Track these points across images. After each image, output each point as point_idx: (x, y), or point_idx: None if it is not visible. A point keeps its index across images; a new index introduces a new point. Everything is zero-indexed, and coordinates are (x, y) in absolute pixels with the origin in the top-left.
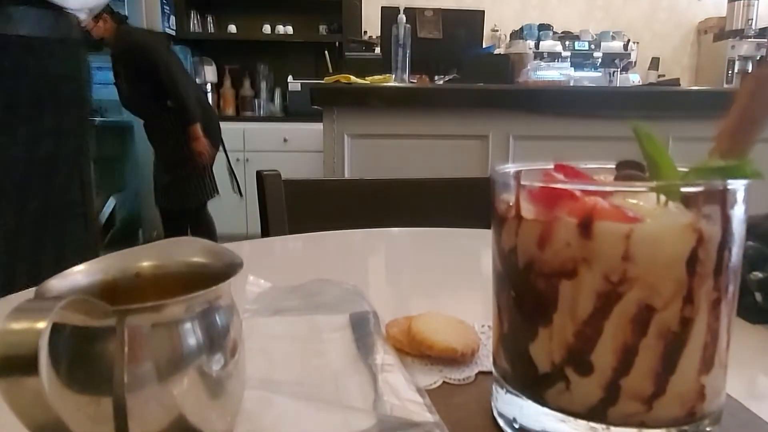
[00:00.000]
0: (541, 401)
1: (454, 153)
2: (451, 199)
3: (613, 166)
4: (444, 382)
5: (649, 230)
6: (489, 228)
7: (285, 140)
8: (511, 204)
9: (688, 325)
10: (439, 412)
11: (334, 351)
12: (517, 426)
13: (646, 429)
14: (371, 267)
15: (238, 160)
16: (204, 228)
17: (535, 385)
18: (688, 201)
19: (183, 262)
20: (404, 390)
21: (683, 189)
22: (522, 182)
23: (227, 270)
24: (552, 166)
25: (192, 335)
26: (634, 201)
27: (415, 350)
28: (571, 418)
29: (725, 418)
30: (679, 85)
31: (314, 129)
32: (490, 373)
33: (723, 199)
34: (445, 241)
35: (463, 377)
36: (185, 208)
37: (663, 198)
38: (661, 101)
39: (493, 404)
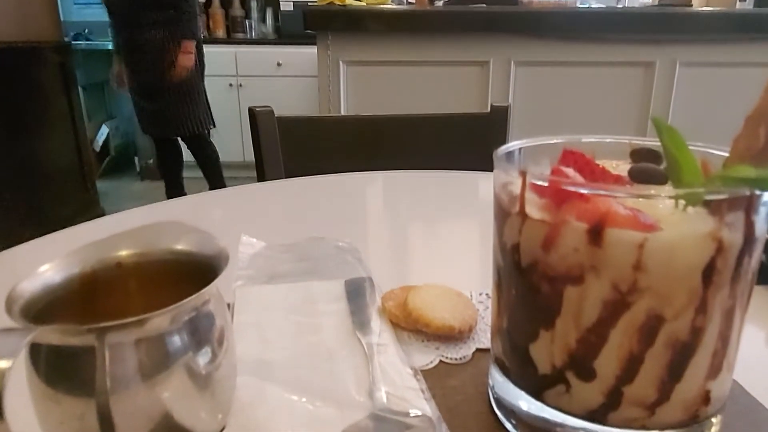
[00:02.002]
0: (539, 398)
1: (454, 81)
2: (450, 136)
3: (626, 140)
4: (441, 361)
5: (666, 239)
6: (488, 168)
7: (279, 64)
8: (515, 195)
9: (698, 335)
10: (435, 396)
11: (329, 327)
12: (513, 420)
13: (648, 431)
14: (367, 218)
15: (231, 85)
16: (207, 156)
17: (533, 383)
18: (710, 207)
19: (167, 250)
20: (400, 375)
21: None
22: (528, 179)
23: (213, 261)
24: (559, 141)
25: (179, 346)
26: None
27: (411, 326)
28: (569, 417)
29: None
30: (691, 5)
31: (309, 53)
32: (488, 350)
33: (749, 206)
34: (444, 186)
35: (460, 356)
36: (183, 136)
37: (682, 202)
38: (670, 24)
39: (489, 390)
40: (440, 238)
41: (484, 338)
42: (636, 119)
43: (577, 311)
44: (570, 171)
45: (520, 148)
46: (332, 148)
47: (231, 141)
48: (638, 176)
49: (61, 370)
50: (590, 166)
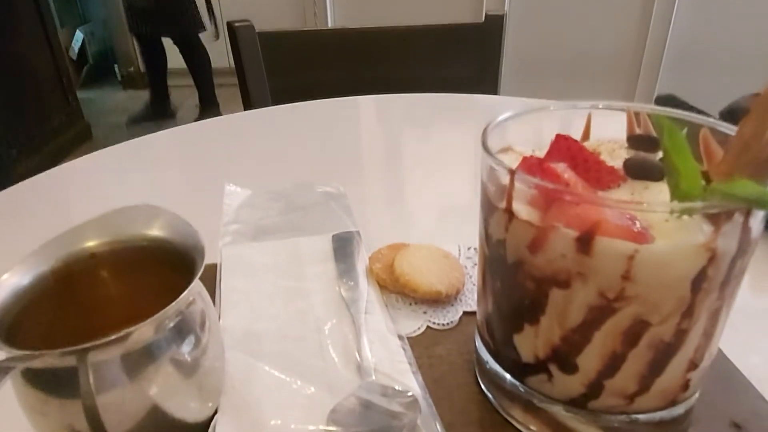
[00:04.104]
0: (522, 382)
1: None
2: (442, 48)
3: (623, 106)
4: (428, 327)
5: (658, 251)
6: (482, 80)
7: None
8: (502, 185)
9: (683, 336)
10: (421, 367)
11: (317, 292)
12: (497, 393)
13: (626, 415)
14: (357, 153)
15: None
16: (198, 61)
17: (516, 367)
18: (706, 216)
19: (141, 236)
20: (387, 347)
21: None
22: (516, 178)
23: (190, 250)
24: (551, 109)
25: (165, 352)
26: (643, 198)
27: (398, 290)
28: (550, 401)
29: None
30: None
31: None
32: (474, 312)
33: (747, 215)
34: (438, 113)
35: (447, 321)
36: (176, 35)
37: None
38: None
39: (475, 362)
40: (431, 180)
41: (471, 300)
42: (638, 19)
43: (562, 312)
44: (561, 167)
45: (509, 120)
46: (319, 63)
47: (212, 46)
48: (633, 170)
49: (46, 386)
50: (583, 153)
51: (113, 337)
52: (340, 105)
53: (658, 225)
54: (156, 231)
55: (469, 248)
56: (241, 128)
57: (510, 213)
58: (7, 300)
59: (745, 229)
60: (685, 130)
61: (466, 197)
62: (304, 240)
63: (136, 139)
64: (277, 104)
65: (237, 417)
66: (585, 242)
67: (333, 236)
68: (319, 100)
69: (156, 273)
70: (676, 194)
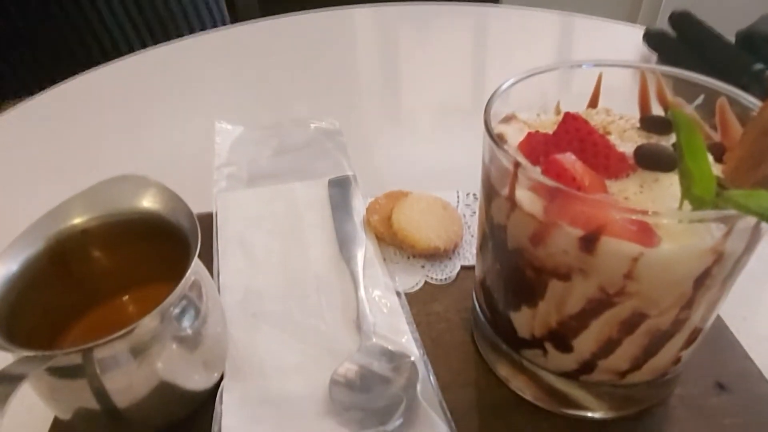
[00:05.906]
0: (517, 352)
1: None
2: None
3: (632, 65)
4: (426, 282)
5: (664, 254)
6: None
7: None
8: (505, 169)
9: (680, 325)
10: (419, 325)
11: (315, 245)
12: (493, 354)
13: (616, 387)
14: (353, 79)
15: None
16: None
17: (512, 339)
18: (717, 220)
19: (131, 209)
20: (386, 305)
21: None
22: (520, 173)
23: (183, 227)
24: (556, 71)
25: (170, 335)
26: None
27: (396, 244)
28: (544, 370)
29: None
30: None
31: None
32: (472, 267)
33: (758, 221)
34: (442, 27)
35: (445, 276)
36: None
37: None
38: None
39: (472, 323)
40: (429, 109)
41: (468, 254)
42: None
43: (560, 300)
44: (568, 158)
45: (513, 87)
46: None
47: None
48: (644, 160)
49: (55, 375)
50: (592, 137)
51: (118, 335)
52: (333, 18)
53: (666, 226)
54: (146, 203)
55: (468, 194)
56: (227, 47)
57: (512, 202)
58: (2, 288)
59: (756, 231)
60: (701, 98)
61: (466, 131)
62: (300, 185)
63: (109, 65)
64: (265, 12)
65: (242, 383)
66: (589, 242)
67: (329, 181)
68: (311, 12)
69: (150, 243)
70: (688, 197)
